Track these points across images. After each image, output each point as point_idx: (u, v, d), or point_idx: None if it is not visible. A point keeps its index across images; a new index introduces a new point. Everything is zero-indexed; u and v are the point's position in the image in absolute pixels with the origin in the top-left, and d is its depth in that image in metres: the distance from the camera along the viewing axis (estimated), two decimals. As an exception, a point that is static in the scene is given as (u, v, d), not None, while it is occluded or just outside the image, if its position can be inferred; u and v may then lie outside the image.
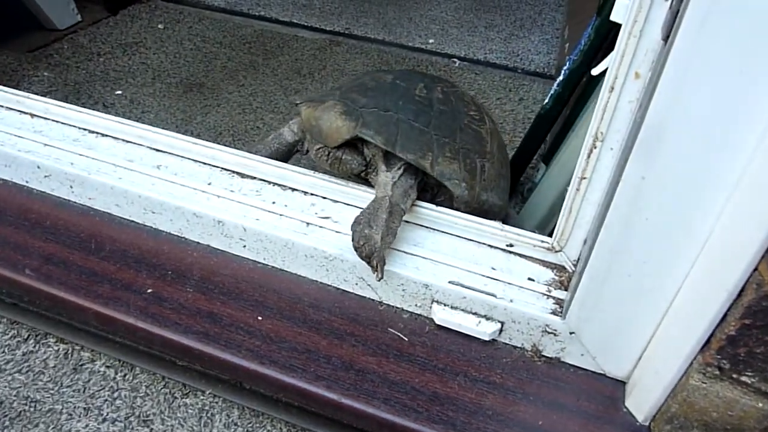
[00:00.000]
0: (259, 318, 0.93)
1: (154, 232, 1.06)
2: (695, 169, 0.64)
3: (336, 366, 0.87)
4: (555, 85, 1.24)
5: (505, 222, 1.17)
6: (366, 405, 0.83)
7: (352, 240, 0.89)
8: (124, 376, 1.01)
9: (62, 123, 1.16)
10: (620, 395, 0.85)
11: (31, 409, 0.96)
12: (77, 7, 2.04)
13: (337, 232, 0.97)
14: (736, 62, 0.57)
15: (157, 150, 1.11)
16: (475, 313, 0.90)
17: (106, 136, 1.13)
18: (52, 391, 0.99)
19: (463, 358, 0.89)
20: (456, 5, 2.45)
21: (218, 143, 1.10)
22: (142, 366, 1.02)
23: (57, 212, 1.09)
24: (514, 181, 1.41)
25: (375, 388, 0.85)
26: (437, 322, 0.92)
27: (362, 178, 1.04)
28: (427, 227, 0.99)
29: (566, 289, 0.89)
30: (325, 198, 1.03)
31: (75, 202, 1.10)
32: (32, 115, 1.17)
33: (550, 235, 0.94)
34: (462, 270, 0.92)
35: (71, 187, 1.08)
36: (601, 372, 0.88)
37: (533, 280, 0.91)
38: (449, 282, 0.89)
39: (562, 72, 1.22)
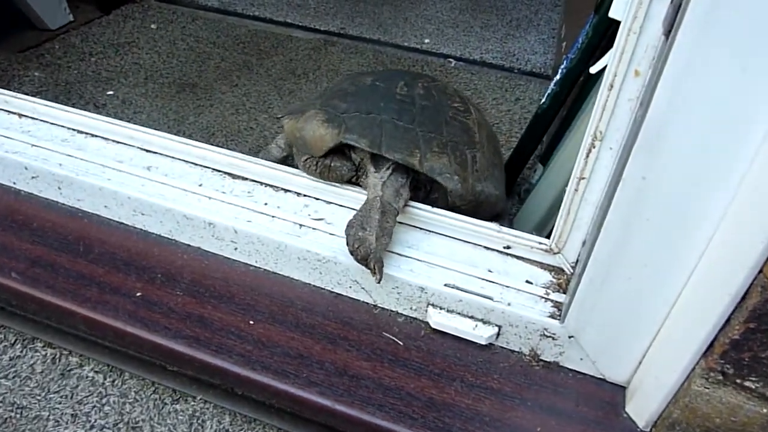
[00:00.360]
0: (251, 322, 0.91)
1: (143, 234, 1.04)
2: (697, 168, 0.62)
3: (329, 371, 0.85)
4: (552, 84, 1.22)
5: (503, 214, 1.15)
6: (360, 411, 0.81)
7: (347, 244, 0.87)
8: (113, 381, 0.99)
9: (51, 123, 1.13)
10: (620, 400, 0.83)
11: (17, 416, 0.93)
12: (69, 7, 2.01)
13: (330, 234, 0.95)
14: (739, 59, 0.55)
15: (148, 151, 1.08)
16: (471, 317, 0.88)
17: (96, 136, 1.11)
18: (39, 397, 0.96)
19: (460, 363, 0.87)
20: (451, 5, 2.43)
21: (210, 144, 1.09)
22: (131, 371, 1.00)
23: (45, 214, 1.07)
24: (512, 181, 1.39)
25: (369, 393, 0.83)
26: (433, 326, 0.90)
27: (353, 183, 1.02)
28: (422, 228, 0.97)
29: (564, 292, 0.88)
30: (318, 199, 1.01)
31: (63, 204, 1.08)
32: (20, 115, 1.15)
33: (548, 236, 0.93)
34: (458, 272, 0.90)
35: (59, 188, 1.06)
36: (601, 376, 0.86)
37: (531, 283, 0.89)
38: (445, 285, 0.88)
39: (560, 71, 1.20)
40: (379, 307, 0.94)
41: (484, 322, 0.88)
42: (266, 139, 1.54)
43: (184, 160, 1.07)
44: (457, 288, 0.87)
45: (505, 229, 0.94)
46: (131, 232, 1.04)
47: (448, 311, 0.89)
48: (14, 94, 1.17)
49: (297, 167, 1.07)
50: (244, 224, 0.95)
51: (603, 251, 0.74)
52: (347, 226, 0.89)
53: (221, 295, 0.95)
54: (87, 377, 1.00)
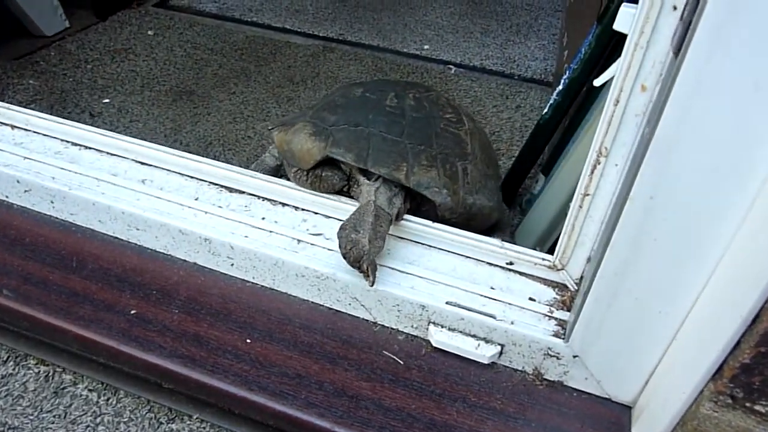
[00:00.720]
0: (248, 341, 0.89)
1: (138, 250, 1.02)
2: (708, 188, 0.60)
3: (328, 392, 0.83)
4: (554, 94, 1.20)
5: (498, 224, 1.14)
6: (360, 434, 0.79)
7: (339, 247, 0.86)
8: (108, 400, 0.97)
9: (44, 135, 1.11)
10: (626, 421, 0.81)
11: (9, 437, 0.91)
12: (65, 13, 1.99)
13: (329, 249, 0.93)
14: (752, 77, 0.53)
15: (143, 163, 1.07)
16: (473, 336, 0.86)
17: (90, 148, 1.09)
18: (31, 417, 0.94)
19: (462, 383, 0.85)
20: (451, 10, 2.41)
21: (208, 153, 1.07)
22: (126, 389, 0.98)
23: (37, 228, 1.05)
24: (513, 192, 1.37)
25: (369, 415, 0.81)
26: (434, 345, 0.88)
27: (345, 193, 1.01)
28: (422, 244, 0.95)
29: (568, 310, 0.86)
30: (317, 214, 0.99)
31: (56, 218, 1.06)
32: (12, 127, 1.13)
33: (551, 250, 0.91)
34: (460, 289, 0.88)
35: (52, 202, 1.04)
36: (606, 396, 0.84)
37: (534, 300, 0.87)
38: (447, 302, 0.86)
39: (562, 81, 1.18)
40: (379, 324, 0.92)
41: (487, 341, 0.86)
42: (264, 149, 1.52)
43: (179, 173, 1.05)
44: (459, 306, 0.85)
45: (507, 244, 0.93)
46: (126, 247, 1.02)
47: (449, 329, 0.87)
48: (7, 105, 1.15)
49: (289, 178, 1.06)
50: (241, 240, 0.93)
51: (609, 270, 0.72)
52: (340, 228, 0.88)
53: (218, 312, 0.93)
54: (81, 396, 0.97)
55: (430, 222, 0.95)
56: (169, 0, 2.32)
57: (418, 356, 0.89)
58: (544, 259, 0.90)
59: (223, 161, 1.07)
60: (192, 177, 1.04)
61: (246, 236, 0.94)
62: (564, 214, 0.87)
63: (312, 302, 0.95)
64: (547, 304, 0.86)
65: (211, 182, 1.03)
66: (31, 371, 1.00)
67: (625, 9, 0.78)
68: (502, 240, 0.94)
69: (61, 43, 1.94)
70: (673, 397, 0.72)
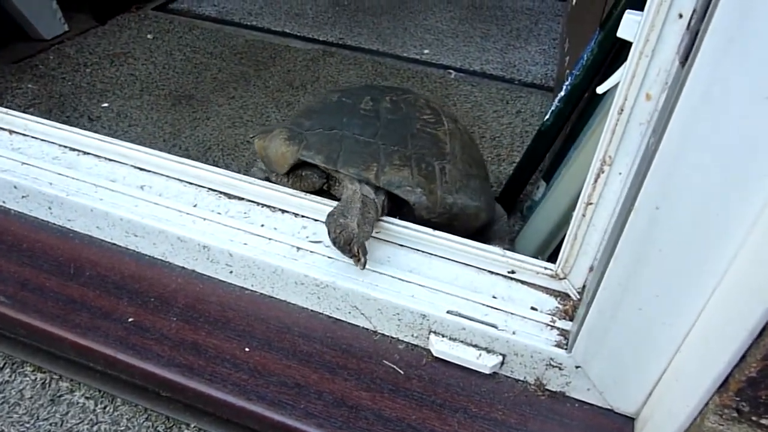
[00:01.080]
0: (247, 349, 0.88)
1: (136, 256, 1.01)
2: (715, 199, 0.59)
3: (327, 402, 0.82)
4: (556, 100, 1.19)
5: (496, 230, 1.13)
6: (360, 445, 0.78)
7: (328, 232, 0.87)
8: (105, 408, 0.96)
9: (41, 140, 1.10)
10: (629, 433, 0.81)
11: (4, 446, 0.90)
12: (64, 17, 1.99)
13: (329, 257, 0.92)
14: (761, 88, 0.52)
15: (141, 169, 1.06)
16: (475, 345, 0.85)
17: (88, 154, 1.08)
18: (27, 425, 0.93)
19: (463, 393, 0.84)
20: (451, 15, 2.41)
21: (207, 158, 1.06)
22: (123, 397, 0.97)
23: (35, 234, 1.03)
24: (514, 198, 1.36)
25: (369, 426, 0.80)
26: (435, 354, 0.87)
27: (329, 193, 1.03)
28: (423, 252, 0.94)
29: (571, 319, 0.85)
30: (316, 220, 0.98)
31: (54, 224, 1.05)
32: (10, 132, 1.12)
33: (552, 257, 0.90)
34: (461, 298, 0.87)
35: (50, 208, 1.03)
36: (609, 408, 0.83)
37: (536, 310, 0.86)
38: (447, 312, 0.85)
39: (563, 87, 1.17)
40: (379, 333, 0.91)
41: (488, 351, 0.85)
42: (263, 154, 1.51)
43: (178, 179, 1.04)
44: (460, 315, 0.84)
45: (509, 253, 0.92)
46: (124, 253, 1.01)
47: (450, 339, 0.86)
48: (5, 110, 1.14)
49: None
50: (240, 247, 0.92)
51: (613, 281, 0.71)
52: (328, 215, 0.89)
53: (216, 320, 0.92)
54: (78, 403, 0.96)
55: (432, 230, 0.94)
56: (169, 4, 2.32)
57: (419, 366, 0.88)
58: (546, 268, 0.89)
59: (222, 166, 1.07)
60: (191, 183, 1.03)
61: (245, 243, 0.93)
62: (565, 221, 0.86)
63: (311, 310, 0.94)
64: (549, 314, 0.85)
65: (210, 188, 1.02)
66: (27, 378, 0.99)
67: (629, 16, 0.77)
68: (503, 248, 0.93)
69: (60, 47, 1.94)
70: (677, 410, 0.71)
